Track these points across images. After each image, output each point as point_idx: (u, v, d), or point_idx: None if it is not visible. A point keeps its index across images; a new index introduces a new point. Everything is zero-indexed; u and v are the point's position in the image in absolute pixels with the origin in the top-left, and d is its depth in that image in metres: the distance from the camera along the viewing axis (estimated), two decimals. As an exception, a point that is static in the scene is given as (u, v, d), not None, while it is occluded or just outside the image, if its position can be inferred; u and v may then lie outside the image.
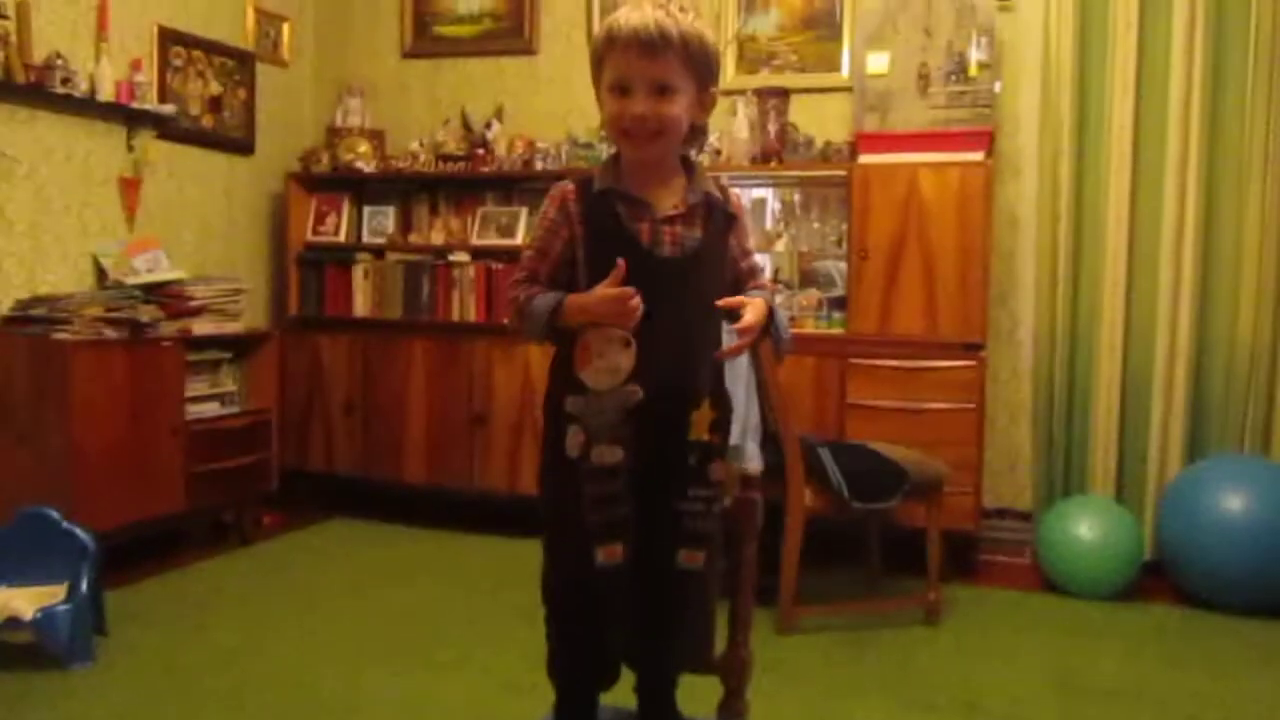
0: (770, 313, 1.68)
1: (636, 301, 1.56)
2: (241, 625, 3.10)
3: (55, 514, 2.88)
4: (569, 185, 1.70)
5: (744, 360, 3.06)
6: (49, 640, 2.67)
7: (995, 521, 4.02)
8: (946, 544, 3.47)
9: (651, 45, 1.59)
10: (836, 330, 3.82)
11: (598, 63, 1.66)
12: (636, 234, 1.64)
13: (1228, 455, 3.61)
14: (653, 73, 1.61)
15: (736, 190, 1.82)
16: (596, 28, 1.65)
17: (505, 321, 1.79)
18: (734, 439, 3.11)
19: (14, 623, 2.67)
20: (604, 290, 1.57)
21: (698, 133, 1.73)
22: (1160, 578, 3.58)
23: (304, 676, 2.73)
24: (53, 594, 2.76)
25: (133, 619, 3.07)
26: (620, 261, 1.57)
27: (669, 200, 1.67)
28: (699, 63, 1.64)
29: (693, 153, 1.76)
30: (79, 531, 2.85)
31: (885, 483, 3.12)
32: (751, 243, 1.79)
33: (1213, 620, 3.29)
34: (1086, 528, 3.48)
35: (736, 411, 3.12)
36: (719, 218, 1.70)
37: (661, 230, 1.65)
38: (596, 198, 1.67)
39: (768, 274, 3.99)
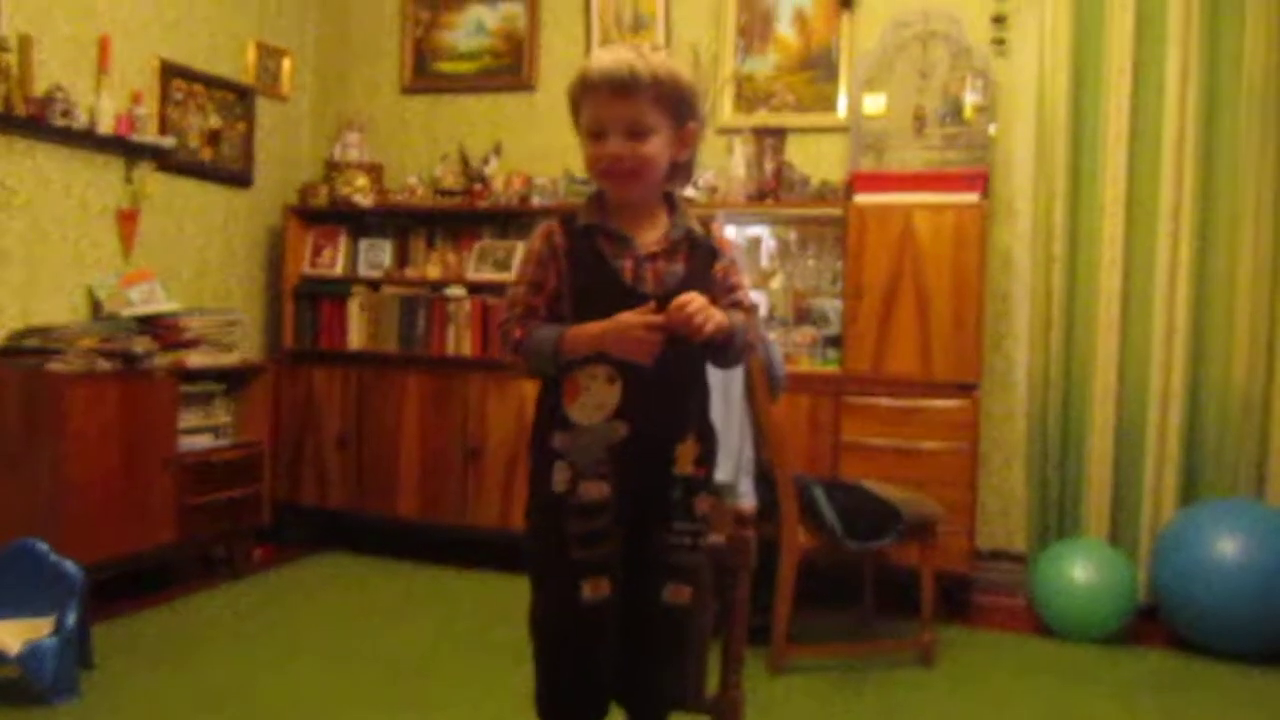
0: (733, 327, 1.67)
1: (657, 333, 1.57)
2: (230, 661, 3.06)
3: (44, 546, 2.86)
4: (554, 222, 1.71)
5: (739, 398, 3.06)
6: (34, 675, 2.64)
7: (989, 563, 4.01)
8: (940, 585, 3.45)
9: (623, 87, 1.61)
10: (831, 368, 3.82)
11: (575, 106, 1.70)
12: (619, 271, 1.65)
13: (1222, 499, 3.60)
14: (626, 114, 1.63)
15: (721, 224, 1.82)
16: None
17: (499, 357, 1.77)
18: (728, 476, 3.12)
19: (-1, 656, 2.64)
20: (631, 317, 1.57)
21: (681, 169, 1.74)
22: (1154, 622, 3.56)
23: (292, 714, 2.70)
24: (39, 628, 2.73)
25: (120, 654, 3.04)
26: (652, 303, 1.58)
27: (651, 236, 1.68)
28: (673, 100, 1.66)
29: (679, 189, 1.77)
30: (67, 564, 2.82)
31: (879, 522, 3.11)
32: (741, 278, 1.77)
33: (1207, 665, 3.27)
34: (1080, 570, 3.46)
35: (729, 448, 3.12)
36: (702, 252, 1.71)
37: (644, 266, 1.66)
38: (580, 233, 1.68)
39: (763, 312, 4.00)
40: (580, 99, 1.67)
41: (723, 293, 1.73)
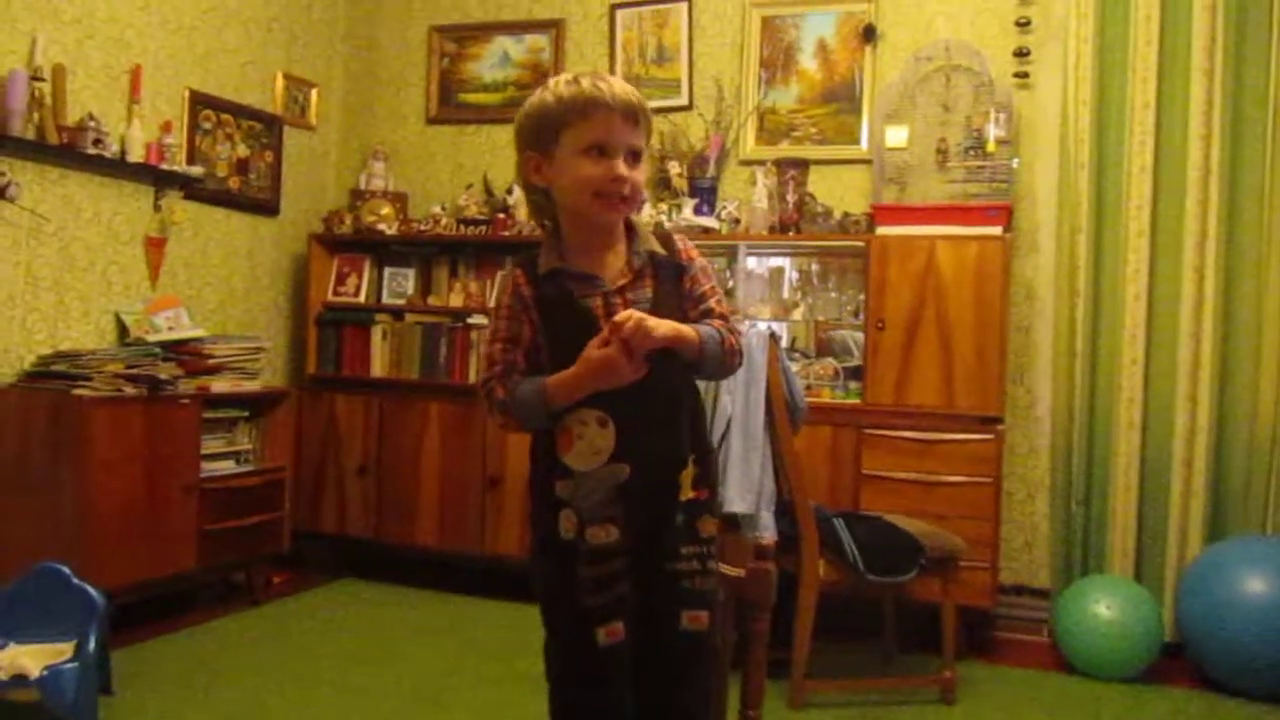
0: (699, 335, 1.64)
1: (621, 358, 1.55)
2: (248, 688, 3.06)
3: (66, 570, 2.88)
4: (516, 270, 1.68)
5: (760, 429, 3.05)
6: (54, 700, 2.64)
7: (1012, 599, 3.96)
8: (962, 621, 3.42)
9: (633, 113, 1.61)
10: (853, 400, 3.81)
11: (556, 125, 1.63)
12: (591, 310, 1.63)
13: (1249, 536, 3.55)
14: (632, 140, 1.63)
15: (683, 236, 1.78)
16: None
17: (488, 414, 1.74)
18: (748, 508, 3.09)
19: (20, 680, 2.64)
20: (595, 353, 1.56)
21: None
22: (1181, 660, 3.51)
23: (308, 742, 2.69)
24: (60, 652, 2.74)
25: (139, 679, 3.05)
26: (615, 320, 1.56)
27: (615, 267, 1.67)
28: (649, 135, 1.68)
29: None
30: (89, 589, 2.84)
31: (901, 556, 3.08)
32: (710, 285, 1.73)
33: (1233, 706, 3.21)
34: (1105, 607, 3.42)
35: (749, 479, 3.10)
36: (667, 271, 1.69)
37: (614, 302, 1.64)
38: (545, 280, 1.66)
39: (784, 343, 3.99)
40: (575, 117, 1.61)
41: (692, 304, 1.71)
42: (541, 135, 1.65)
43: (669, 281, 1.68)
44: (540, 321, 1.65)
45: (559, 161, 1.64)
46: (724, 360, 1.69)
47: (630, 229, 1.70)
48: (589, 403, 1.60)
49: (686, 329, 1.62)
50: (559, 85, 1.64)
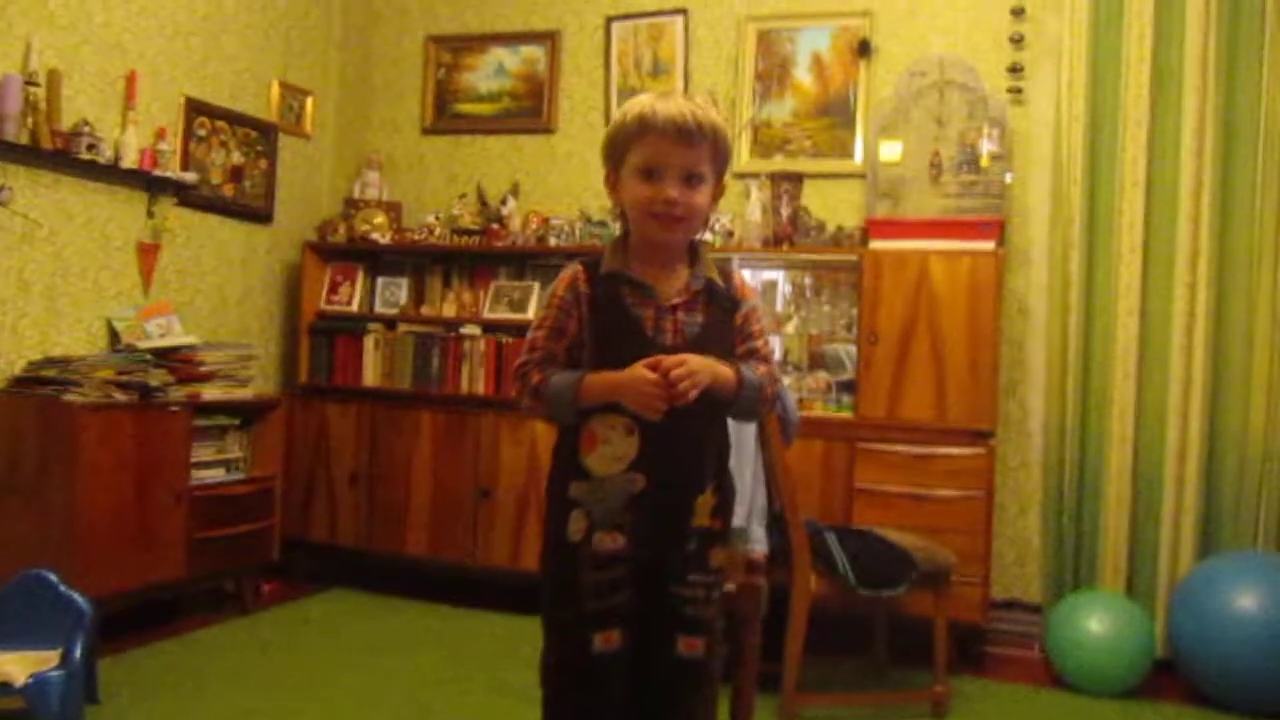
0: (741, 380, 1.65)
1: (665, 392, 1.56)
2: (237, 698, 3.04)
3: (54, 577, 2.86)
4: (579, 266, 1.71)
5: (751, 443, 3.05)
6: (40, 707, 2.62)
7: (1004, 613, 3.96)
8: (954, 635, 3.41)
9: (688, 135, 1.63)
10: (845, 414, 3.81)
11: (622, 146, 1.68)
12: (640, 320, 1.64)
13: (1240, 552, 3.55)
14: (686, 161, 1.64)
15: (743, 273, 1.81)
16: (615, 110, 1.65)
17: (516, 399, 1.75)
18: (740, 521, 3.09)
19: (5, 688, 2.62)
20: (645, 372, 1.57)
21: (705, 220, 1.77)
22: (1172, 676, 3.50)
23: (296, 752, 2.67)
24: (46, 659, 2.72)
25: (126, 688, 3.03)
26: (666, 363, 1.57)
27: (674, 285, 1.68)
28: (722, 156, 1.69)
29: (698, 236, 1.78)
30: (77, 596, 2.82)
31: (892, 570, 3.08)
32: (760, 327, 1.76)
33: (1226, 722, 3.22)
34: (1096, 622, 3.42)
35: (741, 493, 3.10)
36: (721, 302, 1.71)
37: (665, 318, 1.65)
38: (603, 280, 1.67)
39: (777, 356, 3.99)
40: (632, 139, 1.66)
41: (740, 340, 1.72)
42: (614, 153, 1.70)
43: (721, 312, 1.71)
44: (589, 320, 1.67)
45: (622, 180, 1.69)
46: (757, 409, 1.72)
47: (695, 254, 1.72)
48: (620, 409, 1.61)
49: (726, 373, 1.64)
50: (633, 104, 1.68)
